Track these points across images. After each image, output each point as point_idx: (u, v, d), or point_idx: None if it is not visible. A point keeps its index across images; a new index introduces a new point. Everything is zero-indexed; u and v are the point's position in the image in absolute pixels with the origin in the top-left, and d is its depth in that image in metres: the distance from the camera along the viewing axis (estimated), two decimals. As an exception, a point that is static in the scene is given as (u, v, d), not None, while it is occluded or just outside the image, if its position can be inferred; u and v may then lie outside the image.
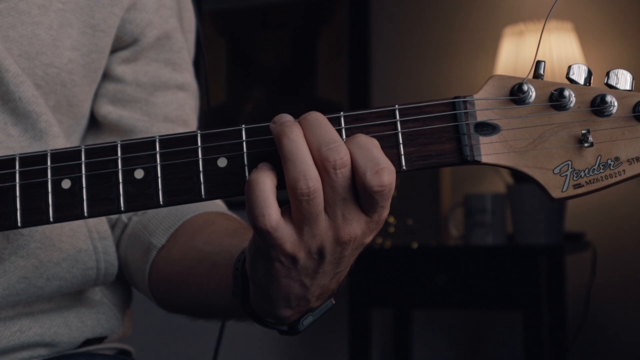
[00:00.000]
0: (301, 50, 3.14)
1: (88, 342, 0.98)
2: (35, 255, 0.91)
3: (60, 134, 0.94)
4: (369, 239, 0.71)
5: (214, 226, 0.95)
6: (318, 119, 0.69)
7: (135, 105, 1.02)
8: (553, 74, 2.42)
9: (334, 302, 0.78)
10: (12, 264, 0.90)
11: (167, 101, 1.04)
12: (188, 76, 1.08)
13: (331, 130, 0.68)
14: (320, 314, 0.78)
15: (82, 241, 0.94)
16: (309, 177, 0.67)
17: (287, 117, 0.70)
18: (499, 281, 2.32)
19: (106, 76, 1.02)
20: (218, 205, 1.03)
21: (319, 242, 0.69)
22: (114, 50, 1.01)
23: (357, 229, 0.69)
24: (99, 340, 0.99)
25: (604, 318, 2.63)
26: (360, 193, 0.67)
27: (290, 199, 0.68)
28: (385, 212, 0.69)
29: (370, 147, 0.67)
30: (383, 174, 0.66)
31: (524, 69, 2.50)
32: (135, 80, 1.02)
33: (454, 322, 2.86)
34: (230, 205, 1.06)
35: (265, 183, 0.68)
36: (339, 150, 0.67)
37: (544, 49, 2.48)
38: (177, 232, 0.97)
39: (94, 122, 1.04)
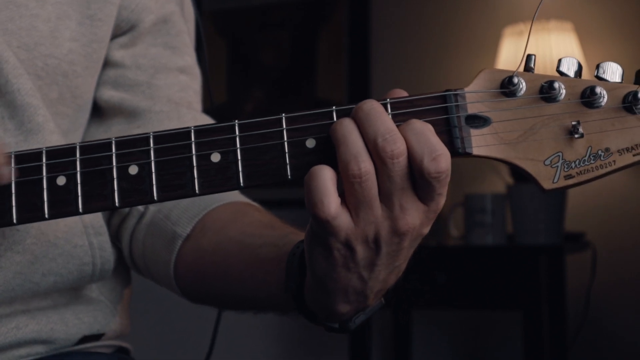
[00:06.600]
0: (301, 50, 3.14)
1: (85, 339, 0.98)
2: (30, 251, 0.91)
3: (56, 130, 0.93)
4: (426, 230, 0.71)
5: (247, 217, 0.95)
6: (374, 107, 0.69)
7: (137, 88, 1.01)
8: (553, 74, 2.41)
9: (383, 302, 0.78)
10: (8, 259, 0.90)
11: (170, 83, 1.03)
12: (189, 60, 1.07)
13: (387, 120, 0.69)
14: (371, 312, 0.78)
15: (78, 237, 0.94)
16: (361, 159, 0.67)
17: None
18: (499, 281, 2.32)
19: (106, 63, 1.01)
20: (240, 195, 1.02)
21: (375, 229, 0.69)
22: (112, 37, 1.00)
23: (416, 218, 0.69)
24: (97, 337, 0.99)
25: (604, 318, 2.63)
26: (417, 180, 0.68)
27: (343, 183, 0.69)
28: (442, 200, 0.69)
29: (425, 133, 0.68)
30: (440, 160, 0.67)
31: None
32: (134, 63, 1.02)
33: (454, 322, 2.86)
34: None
35: (326, 174, 0.68)
36: (395, 140, 0.67)
37: (544, 49, 2.48)
38: (204, 221, 0.96)
39: (97, 110, 1.03)
